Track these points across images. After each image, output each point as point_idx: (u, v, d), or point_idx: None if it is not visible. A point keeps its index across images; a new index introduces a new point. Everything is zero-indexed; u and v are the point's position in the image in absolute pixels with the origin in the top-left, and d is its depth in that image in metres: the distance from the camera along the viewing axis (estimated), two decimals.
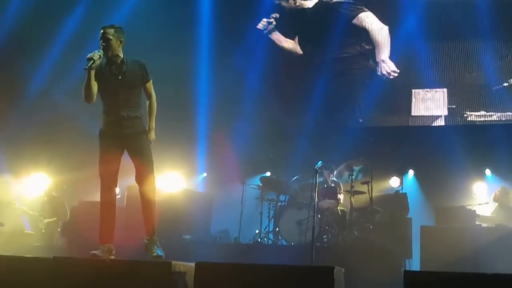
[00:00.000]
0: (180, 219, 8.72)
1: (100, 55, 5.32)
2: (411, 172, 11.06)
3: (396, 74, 11.17)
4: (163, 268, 5.10)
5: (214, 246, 8.79)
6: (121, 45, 5.49)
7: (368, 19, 11.38)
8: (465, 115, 11.09)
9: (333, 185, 9.09)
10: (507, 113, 10.82)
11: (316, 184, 7.32)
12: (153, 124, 5.58)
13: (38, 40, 11.08)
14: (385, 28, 11.27)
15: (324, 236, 8.71)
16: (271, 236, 9.20)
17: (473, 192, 9.81)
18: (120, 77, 5.41)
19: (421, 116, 11.43)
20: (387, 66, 11.21)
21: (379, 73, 11.22)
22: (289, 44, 11.78)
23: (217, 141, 11.12)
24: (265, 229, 9.29)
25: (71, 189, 10.35)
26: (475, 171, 10.15)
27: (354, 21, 11.41)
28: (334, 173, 9.27)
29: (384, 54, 11.25)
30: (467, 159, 10.00)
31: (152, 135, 5.59)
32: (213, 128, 11.53)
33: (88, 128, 10.74)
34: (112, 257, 5.64)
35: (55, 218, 9.60)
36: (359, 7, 11.44)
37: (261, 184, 9.61)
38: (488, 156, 10.14)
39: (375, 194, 8.99)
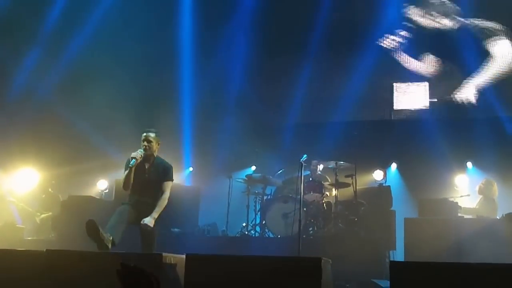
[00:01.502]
0: (169, 213, 8.74)
1: (141, 155, 6.31)
2: (394, 165, 11.25)
3: (471, 104, 11.04)
4: (154, 260, 5.20)
5: (203, 238, 8.90)
6: (158, 146, 6.50)
7: (499, 47, 11.00)
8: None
9: (318, 178, 9.23)
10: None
11: (301, 177, 7.43)
12: (156, 216, 6.29)
13: (21, 36, 11.03)
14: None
15: (310, 229, 8.85)
16: (258, 228, 9.33)
17: (455, 184, 10.00)
18: (147, 175, 6.42)
19: (403, 109, 11.59)
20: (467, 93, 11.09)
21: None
22: (417, 64, 11.45)
23: (202, 135, 11.21)
24: (252, 222, 9.42)
25: (60, 184, 10.37)
26: (457, 164, 10.36)
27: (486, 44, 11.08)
28: (320, 167, 9.41)
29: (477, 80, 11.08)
30: (449, 152, 10.21)
31: (152, 223, 6.23)
32: (198, 123, 11.61)
33: (74, 123, 10.81)
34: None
35: (50, 213, 9.62)
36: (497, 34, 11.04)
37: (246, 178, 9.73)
38: (470, 149, 10.36)
39: (359, 187, 9.13)
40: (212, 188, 10.35)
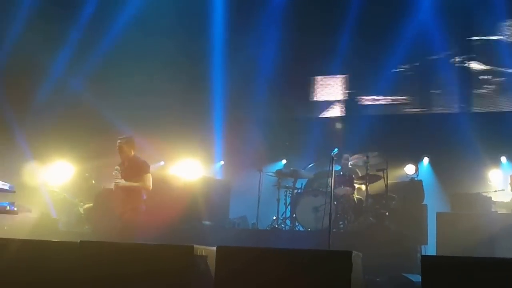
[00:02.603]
0: (200, 206, 8.88)
1: (118, 170, 7.25)
2: (426, 160, 11.10)
3: None
4: (185, 252, 5.25)
5: (233, 231, 8.95)
6: (131, 149, 7.32)
7: None
8: (356, 99, 11.33)
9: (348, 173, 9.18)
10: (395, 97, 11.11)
11: (332, 171, 7.39)
12: (128, 184, 7.12)
13: (55, 29, 11.22)
14: None
15: (340, 222, 8.82)
16: (288, 222, 9.33)
17: (489, 179, 9.83)
18: (124, 174, 7.21)
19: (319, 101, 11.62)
20: None
21: None
22: None
23: (233, 129, 11.25)
24: (282, 215, 9.43)
25: (93, 177, 10.55)
26: (490, 159, 10.18)
27: None
28: (350, 161, 9.36)
29: None
30: (482, 146, 10.04)
31: (123, 183, 7.12)
32: (229, 117, 11.67)
33: (106, 116, 10.98)
34: None
35: (92, 204, 9.77)
36: None
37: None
38: (504, 143, 10.16)
39: (390, 181, 9.03)
40: (243, 181, 10.37)
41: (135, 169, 7.22)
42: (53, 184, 10.36)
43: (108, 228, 8.62)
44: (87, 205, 9.88)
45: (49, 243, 6.04)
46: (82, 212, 9.80)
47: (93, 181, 10.34)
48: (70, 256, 5.27)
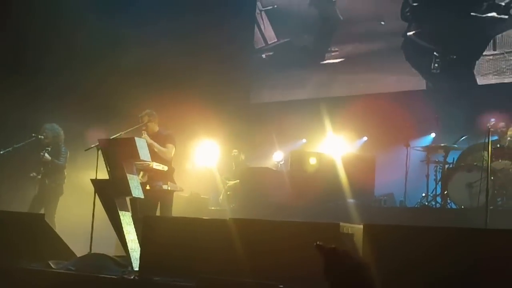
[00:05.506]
0: (344, 183, 8.73)
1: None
2: None
3: None
4: (331, 230, 5.14)
5: (380, 209, 8.70)
6: (152, 122, 7.41)
7: None
8: None
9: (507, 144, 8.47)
10: None
11: (488, 143, 6.86)
12: (153, 143, 7.13)
13: None
14: None
15: (498, 199, 8.19)
16: (438, 199, 8.86)
17: None
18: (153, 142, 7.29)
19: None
20: None
21: None
22: None
23: (377, 104, 10.85)
24: (432, 192, 8.98)
25: (242, 154, 10.77)
26: None
27: None
28: (509, 132, 8.63)
29: None
30: None
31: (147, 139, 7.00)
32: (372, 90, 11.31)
33: (248, 97, 11.13)
34: None
35: (238, 181, 10.07)
36: None
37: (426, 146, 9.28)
38: None
39: None
40: (388, 157, 9.98)
41: (161, 142, 7.25)
42: (201, 163, 10.74)
43: (254, 205, 8.81)
44: (232, 182, 10.14)
45: (200, 220, 6.28)
46: (228, 190, 10.09)
47: (242, 157, 10.57)
48: (220, 233, 5.40)
